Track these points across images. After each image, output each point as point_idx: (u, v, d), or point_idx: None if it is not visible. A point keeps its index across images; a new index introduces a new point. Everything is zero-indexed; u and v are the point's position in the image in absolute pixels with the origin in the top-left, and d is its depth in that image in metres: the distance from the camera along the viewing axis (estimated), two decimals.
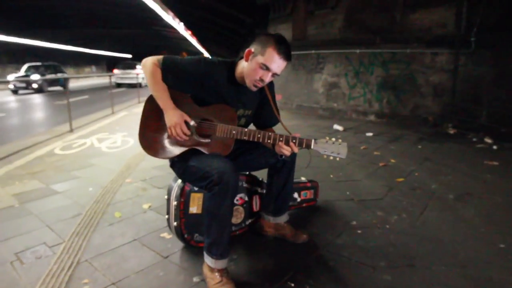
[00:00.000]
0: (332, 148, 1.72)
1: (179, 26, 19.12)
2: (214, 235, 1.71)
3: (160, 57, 1.81)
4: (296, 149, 1.72)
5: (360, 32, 7.85)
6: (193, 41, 29.38)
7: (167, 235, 2.29)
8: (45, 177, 3.65)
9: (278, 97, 9.97)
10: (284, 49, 1.65)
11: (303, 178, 2.77)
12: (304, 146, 1.73)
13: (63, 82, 19.37)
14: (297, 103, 9.20)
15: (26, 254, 2.11)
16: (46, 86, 18.19)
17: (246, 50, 1.72)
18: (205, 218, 1.73)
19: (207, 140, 1.80)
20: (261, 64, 1.67)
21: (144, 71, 1.81)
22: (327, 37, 8.54)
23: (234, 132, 1.75)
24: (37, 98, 14.55)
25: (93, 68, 39.88)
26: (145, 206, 2.81)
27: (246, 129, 1.74)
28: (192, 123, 1.78)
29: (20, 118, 9.68)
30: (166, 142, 1.82)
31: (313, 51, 8.59)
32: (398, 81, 7.12)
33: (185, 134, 1.76)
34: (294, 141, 1.71)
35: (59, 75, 19.60)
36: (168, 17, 15.94)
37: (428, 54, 6.61)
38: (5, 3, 16.90)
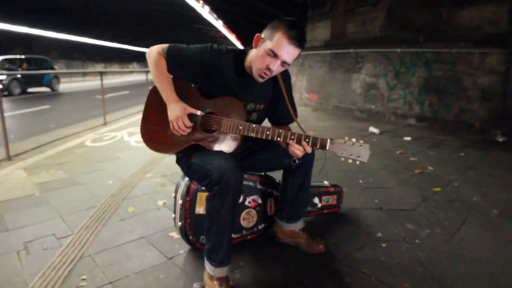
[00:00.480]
0: (352, 150, 1.51)
1: (218, 24, 19.28)
2: (213, 240, 1.56)
3: (165, 45, 1.69)
4: (309, 149, 1.54)
5: (402, 30, 7.42)
6: (233, 39, 29.54)
7: (175, 234, 2.18)
8: (70, 168, 3.69)
9: (314, 97, 9.71)
10: (296, 34, 1.46)
11: (326, 182, 2.57)
12: (318, 146, 1.54)
13: (50, 81, 15.08)
14: (333, 104, 8.87)
15: (34, 244, 2.08)
16: (18, 87, 13.20)
17: (256, 36, 1.56)
18: (205, 221, 1.58)
19: (212, 136, 1.66)
20: (268, 50, 1.49)
21: (149, 61, 1.70)
22: (367, 35, 8.17)
23: (240, 127, 1.59)
24: None
25: (135, 64, 41.31)
26: (160, 202, 2.72)
27: (254, 125, 1.58)
28: (199, 113, 1.64)
29: None
30: (169, 137, 1.70)
31: (351, 50, 8.25)
32: (442, 83, 6.63)
33: (187, 128, 1.63)
34: (307, 140, 1.52)
35: (51, 73, 14.51)
36: (208, 15, 16.10)
37: (476, 54, 6.10)
38: (59, 2, 17.87)
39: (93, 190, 3.01)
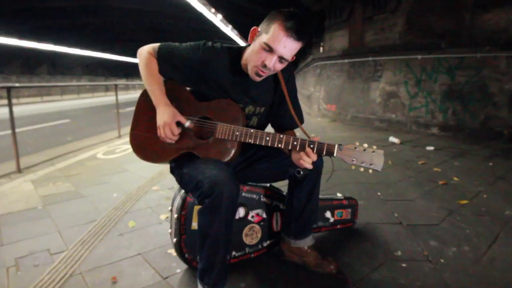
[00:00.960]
0: (363, 156, 1.33)
1: (235, 35, 19.42)
2: (206, 259, 1.39)
3: (157, 44, 1.56)
4: (314, 157, 1.36)
5: (423, 36, 7.15)
6: None
7: (174, 252, 2.01)
8: (78, 180, 3.61)
9: (332, 108, 9.48)
10: (294, 24, 1.29)
11: (339, 195, 2.36)
12: (324, 153, 1.36)
13: None
14: (352, 113, 8.61)
15: (26, 260, 1.96)
16: None
17: (252, 29, 1.41)
18: (197, 238, 1.41)
19: (206, 143, 1.50)
20: (263, 44, 1.33)
21: (139, 61, 1.57)
22: (386, 42, 7.93)
23: (237, 133, 1.43)
24: None
25: None
26: (163, 216, 2.58)
27: (252, 130, 1.41)
28: (187, 124, 1.49)
29: None
30: (159, 145, 1.55)
31: (370, 58, 8.03)
32: (466, 90, 6.31)
33: (174, 136, 1.48)
34: (311, 146, 1.35)
35: None
36: (225, 28, 16.22)
37: (503, 58, 5.77)
38: (81, 21, 18.49)
39: (97, 203, 2.90)
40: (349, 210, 2.27)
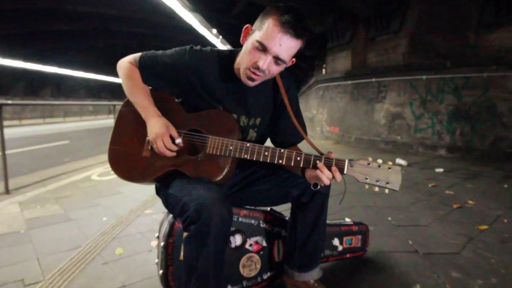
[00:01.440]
0: (378, 174, 1.13)
1: None
2: None
3: (138, 54, 1.39)
4: (328, 174, 1.15)
5: (427, 56, 7.07)
6: None
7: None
8: (68, 202, 3.41)
9: (335, 130, 9.32)
10: (290, 18, 1.12)
11: (347, 220, 2.13)
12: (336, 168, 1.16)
13: None
14: (356, 136, 8.43)
15: None
16: None
17: (244, 27, 1.24)
18: (182, 271, 1.20)
19: (195, 159, 1.31)
20: (255, 43, 1.17)
21: (120, 73, 1.41)
22: (389, 63, 7.84)
23: (231, 148, 1.24)
24: None
25: None
26: (154, 243, 2.35)
27: (248, 144, 1.22)
28: (178, 140, 1.31)
29: None
30: (142, 161, 1.36)
31: (373, 79, 7.91)
32: (473, 110, 6.14)
33: (168, 150, 1.29)
34: (318, 161, 1.15)
35: None
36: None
37: (511, 77, 5.62)
38: (86, 44, 18.73)
39: (84, 227, 2.68)
40: (359, 236, 2.04)
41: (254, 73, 1.22)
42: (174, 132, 1.30)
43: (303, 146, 1.53)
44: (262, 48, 1.16)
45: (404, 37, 7.53)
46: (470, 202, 3.30)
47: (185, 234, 1.40)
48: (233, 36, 14.22)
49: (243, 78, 1.26)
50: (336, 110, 9.35)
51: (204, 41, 14.62)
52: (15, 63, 18.05)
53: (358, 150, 7.46)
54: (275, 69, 1.23)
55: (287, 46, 1.16)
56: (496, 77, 5.81)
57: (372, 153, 7.04)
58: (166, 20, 12.72)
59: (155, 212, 3.04)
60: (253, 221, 1.64)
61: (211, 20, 11.76)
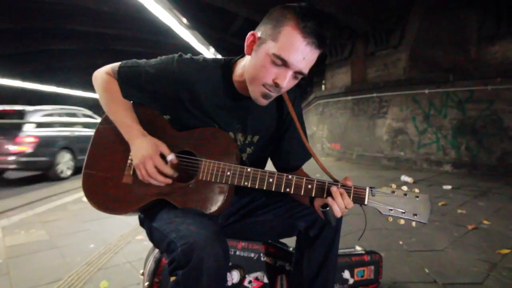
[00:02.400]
0: (404, 204, 0.94)
1: None
2: None
3: (117, 64, 1.20)
4: (341, 203, 0.96)
5: (428, 70, 6.95)
6: None
7: None
8: (55, 227, 3.20)
9: (336, 147, 9.14)
10: (314, 26, 0.93)
11: (358, 248, 1.91)
12: (351, 200, 0.96)
13: None
14: (357, 152, 8.24)
15: None
16: None
17: (248, 35, 1.04)
18: None
19: (185, 186, 1.11)
20: (273, 57, 0.97)
21: (95, 86, 1.22)
22: (390, 78, 7.72)
23: (228, 173, 1.05)
24: None
25: None
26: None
27: (249, 169, 1.03)
28: (169, 157, 1.10)
29: None
30: (122, 189, 1.16)
31: (374, 94, 7.77)
32: (478, 124, 5.98)
33: (161, 177, 1.09)
34: (335, 187, 0.96)
35: None
36: None
37: None
38: (85, 63, 18.78)
39: (69, 255, 2.47)
40: (372, 267, 1.81)
41: (271, 91, 1.03)
42: (165, 149, 1.11)
43: (308, 168, 1.34)
44: (282, 63, 0.97)
45: (404, 51, 7.43)
46: (486, 222, 3.08)
47: (171, 278, 1.19)
48: (232, 53, 14.22)
49: (256, 95, 1.06)
50: (337, 126, 9.19)
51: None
52: (14, 83, 18.01)
53: (361, 167, 7.25)
54: (292, 84, 1.05)
55: (310, 59, 0.98)
56: (501, 89, 5.66)
57: (376, 169, 6.84)
58: (164, 38, 12.73)
59: (146, 238, 2.80)
60: (252, 254, 1.43)
61: (209, 38, 11.74)
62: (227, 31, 11.30)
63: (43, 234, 2.99)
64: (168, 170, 1.09)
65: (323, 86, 12.25)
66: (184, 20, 9.45)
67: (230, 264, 1.37)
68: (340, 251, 1.75)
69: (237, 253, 1.39)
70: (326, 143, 9.71)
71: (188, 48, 12.20)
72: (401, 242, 2.60)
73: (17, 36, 13.21)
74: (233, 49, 13.03)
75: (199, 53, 12.89)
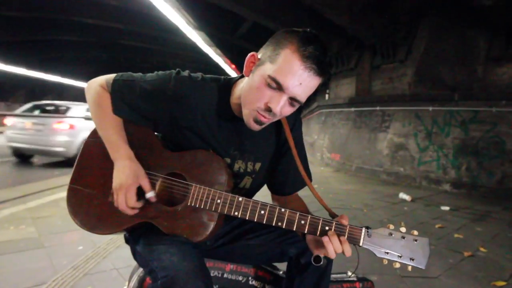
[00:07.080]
0: (401, 248, 0.90)
1: None
2: None
3: (112, 76, 1.14)
4: (348, 250, 0.93)
5: (434, 87, 6.91)
6: None
7: None
8: (45, 224, 3.14)
9: (336, 157, 9.08)
10: (315, 51, 0.89)
11: (349, 274, 1.86)
12: (346, 239, 0.92)
13: None
14: (357, 164, 8.17)
15: None
16: None
17: (249, 56, 1.00)
18: None
19: (173, 212, 1.06)
20: (268, 79, 0.92)
21: (88, 98, 1.16)
22: (394, 92, 7.68)
23: (219, 201, 1.00)
24: None
25: None
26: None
27: (240, 199, 0.98)
28: (149, 195, 1.05)
29: None
30: (106, 208, 1.10)
31: (378, 108, 7.71)
32: (481, 145, 5.92)
33: (130, 208, 1.04)
34: (327, 228, 0.91)
35: None
36: (232, 71, 16.30)
37: None
38: (89, 55, 18.79)
39: (55, 257, 2.42)
40: None
41: (264, 116, 0.97)
42: (146, 184, 1.05)
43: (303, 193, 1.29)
44: (277, 86, 0.92)
45: (411, 66, 7.39)
46: (482, 249, 3.02)
47: None
48: (237, 56, 14.18)
49: (248, 120, 1.00)
50: (338, 137, 9.14)
51: (207, 60, 14.60)
52: (18, 70, 17.97)
53: (359, 180, 7.19)
54: (288, 111, 0.99)
55: (308, 85, 0.93)
56: (506, 112, 5.63)
57: (374, 184, 6.77)
58: (171, 36, 12.68)
59: None
60: (240, 278, 1.38)
61: (215, 39, 11.71)
62: (235, 34, 11.28)
63: (33, 232, 2.94)
64: (137, 205, 1.04)
65: (326, 96, 12.21)
66: (192, 20, 9.42)
67: (217, 287, 1.32)
68: (331, 276, 1.70)
69: (225, 275, 1.34)
70: (326, 153, 9.66)
71: (194, 47, 12.18)
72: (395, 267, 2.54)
73: (25, 24, 13.20)
74: (240, 52, 13.01)
75: (204, 53, 12.86)
